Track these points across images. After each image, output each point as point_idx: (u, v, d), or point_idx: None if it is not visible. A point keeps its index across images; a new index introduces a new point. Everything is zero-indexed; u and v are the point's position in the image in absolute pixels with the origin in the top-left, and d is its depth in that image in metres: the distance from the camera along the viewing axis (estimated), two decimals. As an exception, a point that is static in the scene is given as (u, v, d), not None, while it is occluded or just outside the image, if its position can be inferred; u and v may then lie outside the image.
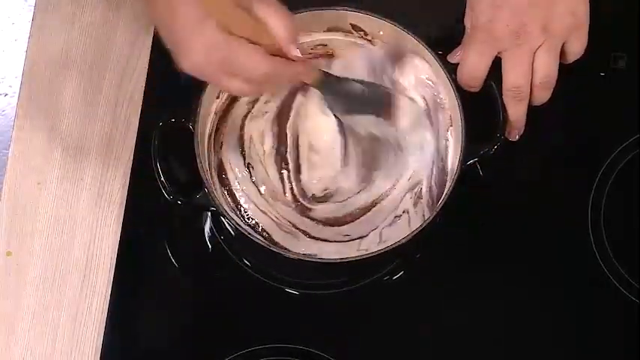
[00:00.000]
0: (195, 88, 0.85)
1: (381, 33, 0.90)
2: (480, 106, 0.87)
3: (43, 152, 0.92)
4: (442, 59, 0.87)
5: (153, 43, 0.95)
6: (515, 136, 0.90)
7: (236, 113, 0.91)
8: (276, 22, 0.76)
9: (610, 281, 0.89)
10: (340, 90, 0.86)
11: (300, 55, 0.77)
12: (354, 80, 0.87)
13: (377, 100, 0.88)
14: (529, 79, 0.87)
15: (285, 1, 0.77)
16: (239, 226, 0.84)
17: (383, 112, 0.88)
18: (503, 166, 0.90)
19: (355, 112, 0.88)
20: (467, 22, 0.90)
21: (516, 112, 0.88)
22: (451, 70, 0.87)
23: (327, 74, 0.85)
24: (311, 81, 0.84)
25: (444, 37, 0.91)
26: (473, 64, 0.88)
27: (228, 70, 0.76)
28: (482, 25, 0.87)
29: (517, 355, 0.88)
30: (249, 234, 0.84)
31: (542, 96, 0.89)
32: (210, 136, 0.89)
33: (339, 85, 0.86)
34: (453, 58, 0.89)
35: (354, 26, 0.90)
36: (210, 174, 0.87)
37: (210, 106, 0.88)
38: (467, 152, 0.84)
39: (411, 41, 0.88)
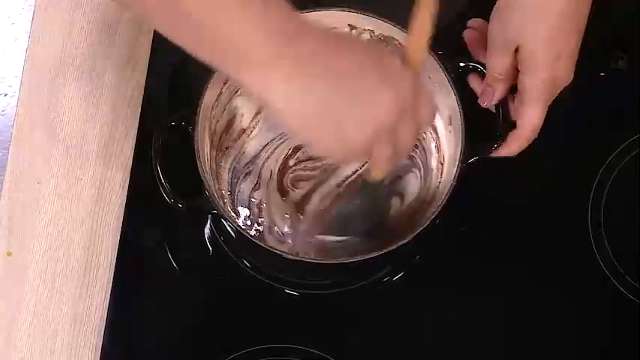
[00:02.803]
0: (195, 89, 0.85)
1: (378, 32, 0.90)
2: (480, 106, 0.87)
3: (43, 152, 0.92)
4: (442, 59, 0.87)
5: (153, 43, 0.95)
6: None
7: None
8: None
9: (610, 281, 0.89)
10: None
11: None
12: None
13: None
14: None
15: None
16: (239, 227, 0.84)
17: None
18: (503, 166, 0.90)
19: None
20: (525, 81, 0.84)
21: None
22: (451, 70, 0.87)
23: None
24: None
25: (444, 37, 0.91)
26: (542, 118, 0.85)
27: (389, 138, 0.71)
28: (547, 78, 0.83)
29: (517, 355, 0.88)
30: (250, 235, 0.84)
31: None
32: (210, 137, 0.89)
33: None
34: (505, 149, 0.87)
35: (352, 27, 0.90)
36: (211, 175, 0.87)
37: (210, 108, 0.88)
38: (467, 152, 0.85)
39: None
